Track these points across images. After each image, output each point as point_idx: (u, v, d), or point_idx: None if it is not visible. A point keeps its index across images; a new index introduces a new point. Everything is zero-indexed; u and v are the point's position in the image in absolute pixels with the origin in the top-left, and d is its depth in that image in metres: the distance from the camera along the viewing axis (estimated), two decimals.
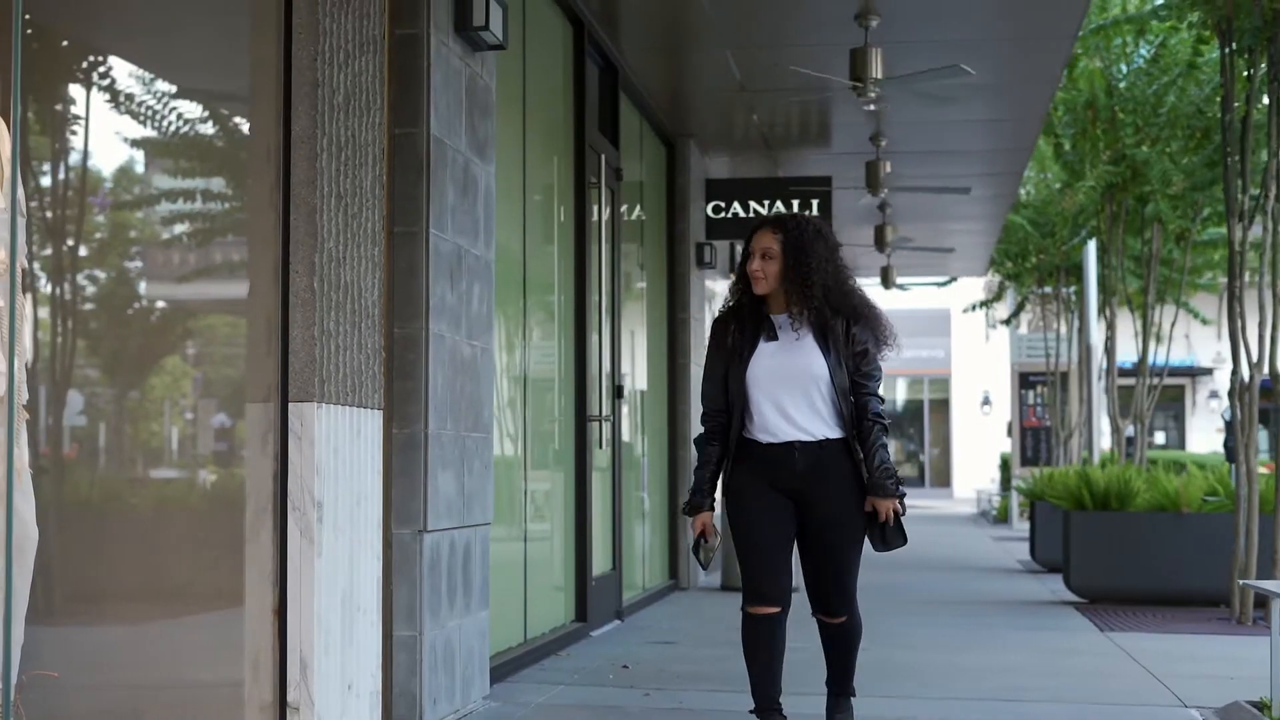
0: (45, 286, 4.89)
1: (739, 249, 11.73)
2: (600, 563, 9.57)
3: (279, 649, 5.08)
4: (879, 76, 9.16)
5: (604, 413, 9.43)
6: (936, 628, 9.80)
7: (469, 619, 6.31)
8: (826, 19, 9.38)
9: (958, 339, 41.85)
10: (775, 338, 5.24)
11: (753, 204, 13.43)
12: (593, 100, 9.57)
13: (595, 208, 9.50)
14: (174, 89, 5.12)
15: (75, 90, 4.93)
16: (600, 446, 9.35)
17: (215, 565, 5.30)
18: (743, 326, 5.28)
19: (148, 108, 4.96)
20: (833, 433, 5.22)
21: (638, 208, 11.71)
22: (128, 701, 5.17)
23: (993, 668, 7.94)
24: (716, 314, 5.44)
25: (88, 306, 5.73)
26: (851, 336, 5.20)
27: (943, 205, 15.76)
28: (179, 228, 5.50)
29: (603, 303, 9.60)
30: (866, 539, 5.33)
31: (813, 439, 5.20)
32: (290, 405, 5.10)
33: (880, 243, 15.71)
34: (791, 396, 5.20)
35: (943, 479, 43.54)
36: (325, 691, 5.15)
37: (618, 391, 9.99)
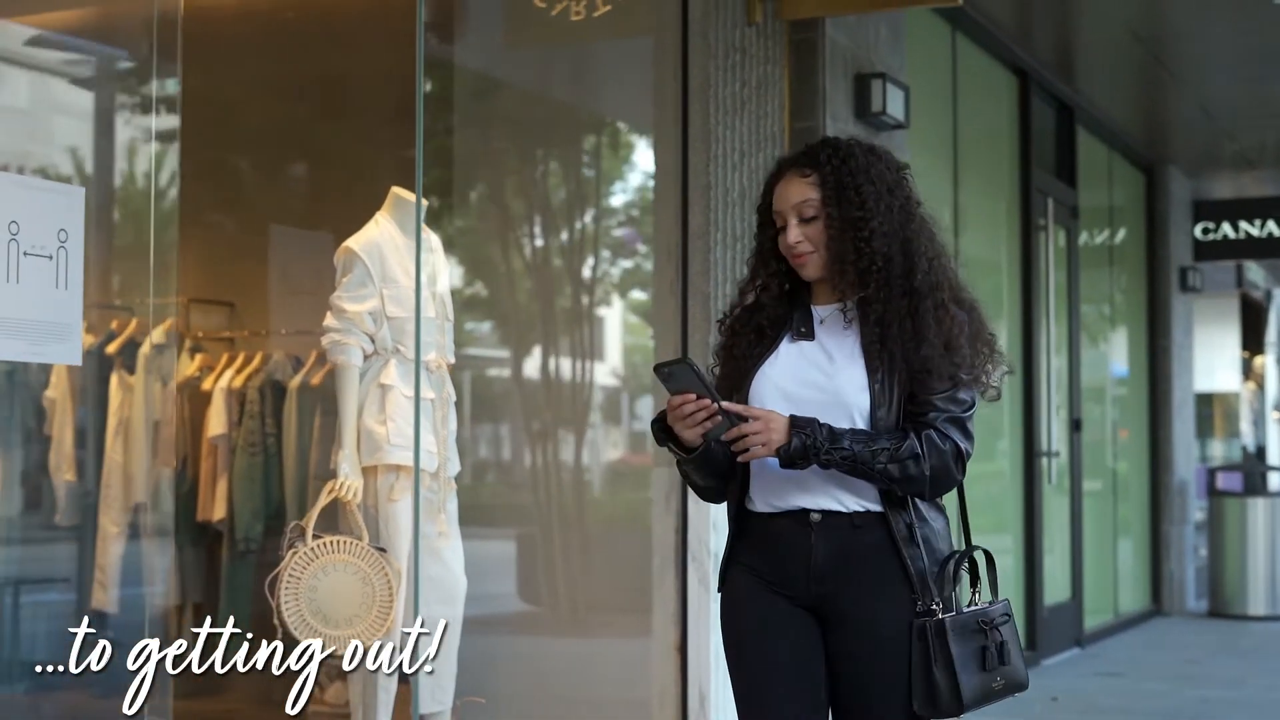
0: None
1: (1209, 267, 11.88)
2: (1056, 592, 9.87)
3: (681, 681, 5.83)
4: None
5: (1054, 448, 9.72)
6: None
7: None
8: None
9: None
10: (809, 335, 3.23)
11: (1243, 224, 13.25)
12: (1042, 143, 9.89)
13: (1044, 247, 9.80)
14: (607, 199, 5.99)
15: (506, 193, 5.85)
16: (1049, 481, 9.65)
17: (631, 603, 6.12)
18: (761, 331, 3.26)
19: (563, 220, 5.85)
20: (869, 502, 3.15)
21: (1111, 235, 11.87)
22: (555, 716, 6.09)
23: None
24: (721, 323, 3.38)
25: (528, 389, 6.68)
26: (920, 339, 3.12)
27: None
28: (603, 311, 6.38)
29: (1052, 338, 9.89)
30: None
31: (841, 509, 3.14)
32: None
33: None
34: None
35: None
36: None
37: (1075, 425, 10.24)
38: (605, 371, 8.47)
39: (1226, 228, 13.27)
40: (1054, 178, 10.13)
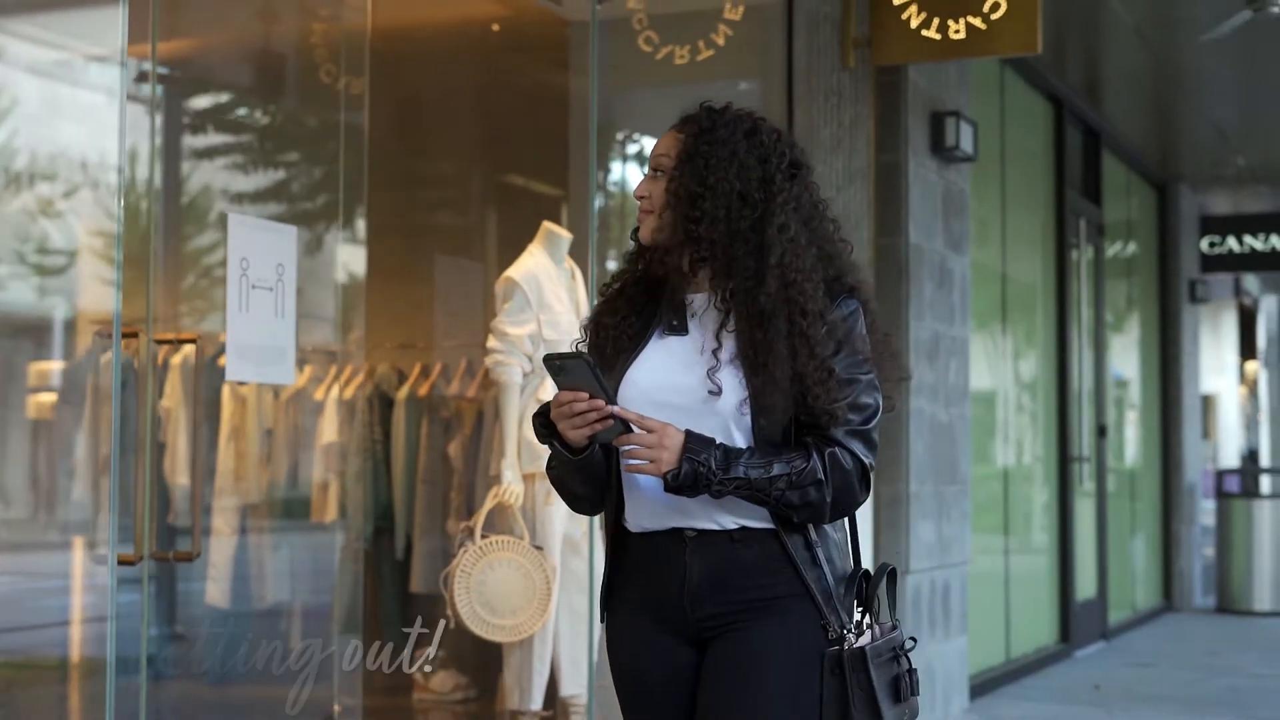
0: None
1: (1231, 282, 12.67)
2: (1085, 588, 10.49)
3: None
4: None
5: (1084, 453, 10.35)
6: None
7: (948, 644, 7.48)
8: None
9: None
10: (681, 329, 2.82)
11: (1247, 238, 13.91)
12: (1073, 166, 10.53)
13: (1076, 265, 10.45)
14: None
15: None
16: (1080, 484, 10.28)
17: None
18: (625, 322, 2.86)
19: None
20: (750, 520, 2.73)
21: (1127, 249, 12.53)
22: None
23: None
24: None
25: None
26: (808, 339, 2.69)
27: None
28: None
29: (1083, 353, 10.53)
30: None
31: (717, 528, 2.75)
32: None
33: None
34: None
35: None
36: None
37: (1100, 431, 10.88)
38: None
39: (1231, 241, 13.92)
40: (1083, 198, 10.77)
